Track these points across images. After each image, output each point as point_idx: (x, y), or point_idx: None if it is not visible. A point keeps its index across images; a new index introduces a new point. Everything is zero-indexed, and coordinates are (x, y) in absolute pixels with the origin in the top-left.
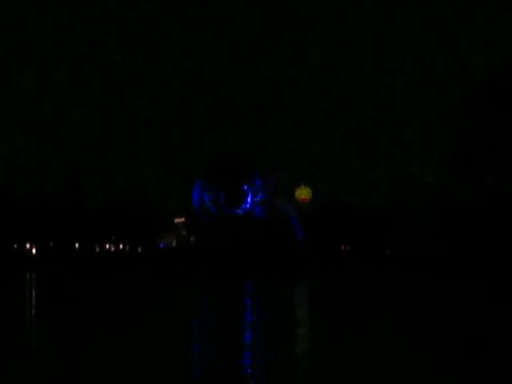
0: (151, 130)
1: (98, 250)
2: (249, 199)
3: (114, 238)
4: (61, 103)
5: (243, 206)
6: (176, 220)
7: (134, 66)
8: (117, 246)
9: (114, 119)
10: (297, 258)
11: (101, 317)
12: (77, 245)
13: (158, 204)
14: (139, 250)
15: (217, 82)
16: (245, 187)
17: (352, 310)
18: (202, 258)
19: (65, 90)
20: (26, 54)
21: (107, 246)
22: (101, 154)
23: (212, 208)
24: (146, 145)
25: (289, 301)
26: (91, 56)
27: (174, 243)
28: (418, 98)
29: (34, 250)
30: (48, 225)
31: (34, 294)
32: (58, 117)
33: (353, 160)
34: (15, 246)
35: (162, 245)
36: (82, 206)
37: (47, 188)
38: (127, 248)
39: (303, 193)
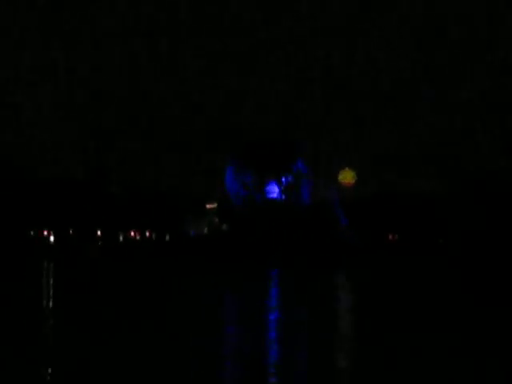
0: (181, 114)
1: (121, 238)
2: (283, 184)
3: (140, 224)
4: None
5: (277, 191)
6: (207, 206)
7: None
8: (142, 234)
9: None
10: (339, 248)
11: (121, 314)
12: (99, 232)
13: (187, 189)
14: (167, 238)
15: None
16: (280, 172)
17: (399, 312)
18: (237, 247)
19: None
20: None
21: (132, 234)
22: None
23: (244, 193)
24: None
25: (328, 299)
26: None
27: (206, 231)
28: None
29: (51, 238)
30: (67, 210)
31: (49, 287)
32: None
33: (403, 142)
34: (31, 232)
35: (192, 232)
36: (105, 189)
37: (68, 170)
38: (154, 236)
39: (347, 176)
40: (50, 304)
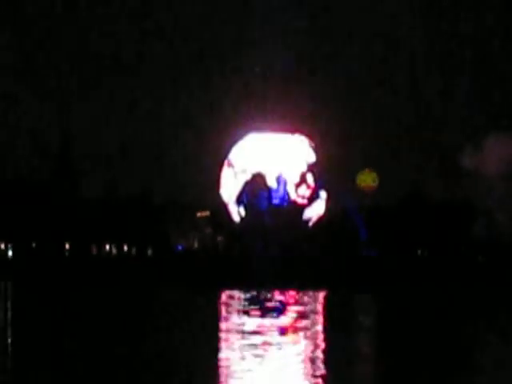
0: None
1: (94, 252)
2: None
3: (115, 236)
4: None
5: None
6: (198, 214)
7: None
8: (120, 248)
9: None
10: (359, 265)
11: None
12: (67, 245)
13: (173, 194)
14: (149, 252)
15: None
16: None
17: (428, 350)
18: (236, 265)
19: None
20: None
21: (107, 248)
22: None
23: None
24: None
25: (346, 326)
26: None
27: (196, 244)
28: None
29: (10, 252)
30: (29, 217)
31: (7, 310)
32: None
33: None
34: None
35: (179, 246)
36: (74, 195)
37: (30, 168)
38: (133, 251)
39: (367, 179)
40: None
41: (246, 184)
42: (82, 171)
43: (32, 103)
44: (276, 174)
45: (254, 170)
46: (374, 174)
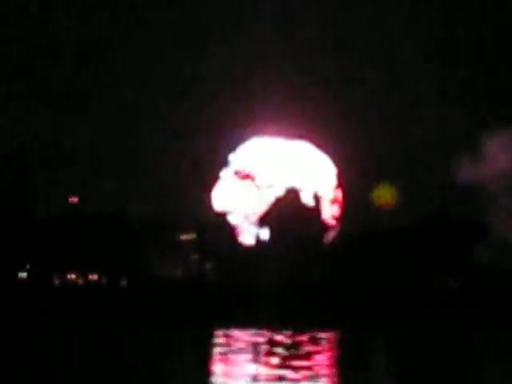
0: None
1: (57, 282)
2: None
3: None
4: None
5: None
6: (182, 237)
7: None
8: (87, 277)
9: None
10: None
11: None
12: (22, 274)
13: (152, 213)
14: (123, 283)
15: None
16: None
17: None
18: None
19: None
20: None
21: (72, 277)
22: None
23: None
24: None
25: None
26: None
27: (180, 272)
28: None
29: None
30: None
31: None
32: None
33: None
34: None
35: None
36: (32, 214)
37: None
38: (104, 280)
39: (385, 195)
40: None
41: (278, 201)
42: (40, 186)
43: None
44: (312, 190)
45: (287, 184)
46: (393, 190)
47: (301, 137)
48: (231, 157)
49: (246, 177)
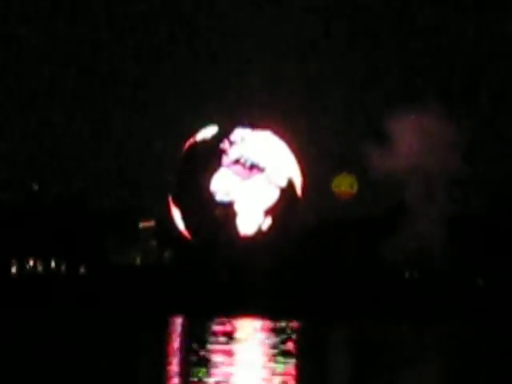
0: None
1: (14, 269)
2: None
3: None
4: None
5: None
6: (141, 224)
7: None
8: (47, 264)
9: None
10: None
11: None
12: None
13: (110, 199)
14: (82, 270)
15: None
16: None
17: None
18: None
19: None
20: None
21: (31, 264)
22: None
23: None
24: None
25: None
26: None
27: (139, 260)
28: None
29: None
30: None
31: None
32: None
33: None
34: None
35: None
36: None
37: None
38: (63, 267)
39: (344, 183)
40: None
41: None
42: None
43: None
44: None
45: (288, 175)
46: (353, 179)
47: (264, 126)
48: (224, 145)
49: (253, 168)
